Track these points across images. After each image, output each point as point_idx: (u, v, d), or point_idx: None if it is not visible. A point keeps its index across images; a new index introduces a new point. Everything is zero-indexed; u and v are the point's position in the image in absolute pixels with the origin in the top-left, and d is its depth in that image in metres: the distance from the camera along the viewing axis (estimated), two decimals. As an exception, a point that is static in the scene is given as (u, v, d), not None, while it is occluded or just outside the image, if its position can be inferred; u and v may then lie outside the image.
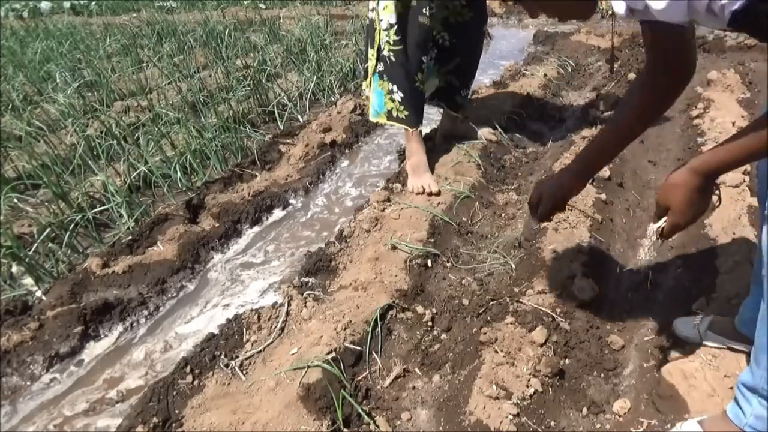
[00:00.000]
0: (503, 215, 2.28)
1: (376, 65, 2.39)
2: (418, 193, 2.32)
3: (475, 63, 2.65)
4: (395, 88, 2.37)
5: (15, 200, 2.47)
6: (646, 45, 1.17)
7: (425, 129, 2.78)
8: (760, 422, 1.01)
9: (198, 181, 2.67)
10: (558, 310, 1.58)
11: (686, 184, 0.98)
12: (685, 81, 1.17)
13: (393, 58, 2.32)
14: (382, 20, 2.31)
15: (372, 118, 2.52)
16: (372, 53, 2.41)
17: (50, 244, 2.13)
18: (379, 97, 2.43)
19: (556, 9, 1.06)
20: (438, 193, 2.30)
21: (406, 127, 2.43)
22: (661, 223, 1.03)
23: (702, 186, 0.97)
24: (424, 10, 2.23)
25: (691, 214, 1.01)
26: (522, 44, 5.02)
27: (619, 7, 0.93)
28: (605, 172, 2.28)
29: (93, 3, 9.01)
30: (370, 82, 2.46)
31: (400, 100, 2.39)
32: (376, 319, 1.59)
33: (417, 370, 1.51)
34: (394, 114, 2.43)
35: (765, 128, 0.86)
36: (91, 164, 2.78)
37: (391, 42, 2.32)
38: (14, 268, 2.05)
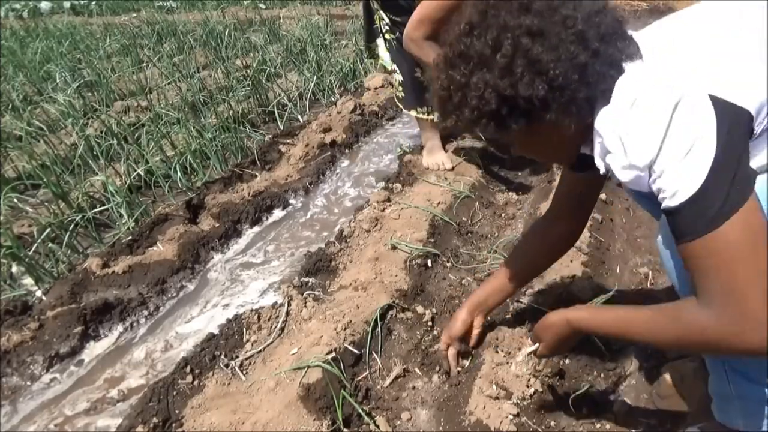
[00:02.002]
0: (503, 215, 2.28)
1: (384, 41, 2.48)
2: (433, 170, 2.50)
3: None
4: (396, 68, 2.45)
5: (15, 200, 2.47)
6: (560, 192, 1.29)
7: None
8: (754, 420, 1.01)
9: (198, 181, 2.67)
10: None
11: (558, 331, 1.08)
12: (580, 231, 1.33)
13: (393, 44, 2.37)
14: (378, 10, 2.35)
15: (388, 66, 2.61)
16: (377, 27, 2.48)
17: (50, 244, 2.13)
18: (385, 57, 2.57)
19: (537, 154, 1.04)
20: (452, 169, 2.47)
21: (401, 106, 2.58)
22: (535, 347, 1.18)
23: (571, 336, 1.07)
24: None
25: (556, 352, 1.18)
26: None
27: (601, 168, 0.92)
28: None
29: (93, 3, 9.01)
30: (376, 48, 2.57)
31: (399, 81, 2.49)
32: (376, 319, 1.59)
33: (417, 370, 1.51)
34: (395, 87, 2.58)
35: (663, 325, 0.87)
36: (91, 164, 2.78)
37: (390, 36, 2.34)
38: (14, 268, 2.04)
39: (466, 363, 1.47)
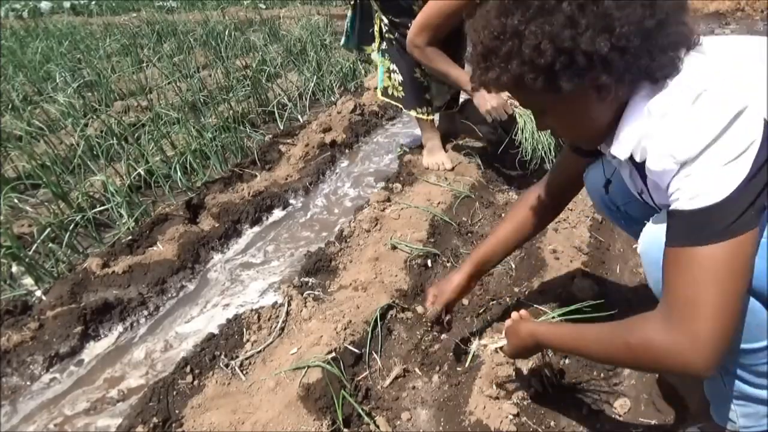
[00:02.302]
0: (503, 215, 2.28)
1: (380, 43, 2.44)
2: (433, 170, 2.50)
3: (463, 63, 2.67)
4: (396, 68, 2.44)
5: (15, 200, 2.47)
6: (560, 167, 1.33)
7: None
8: (753, 421, 1.01)
9: (198, 181, 2.67)
10: (558, 310, 1.58)
11: (522, 340, 1.13)
12: (564, 206, 1.40)
13: (393, 43, 2.36)
14: (377, 11, 2.34)
15: (380, 95, 2.67)
16: (376, 27, 2.45)
17: (50, 244, 2.13)
18: (380, 74, 2.54)
19: (566, 127, 0.98)
20: (452, 169, 2.48)
21: (400, 106, 2.55)
22: (501, 344, 1.25)
23: (532, 348, 1.14)
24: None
25: (517, 357, 1.26)
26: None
27: (622, 153, 0.90)
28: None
29: (93, 3, 9.01)
30: (378, 47, 2.53)
31: (399, 81, 2.46)
32: (376, 319, 1.59)
33: (417, 370, 1.51)
34: (390, 92, 2.55)
35: (612, 338, 0.88)
36: (90, 164, 2.78)
37: (389, 35, 2.34)
38: (14, 268, 2.05)
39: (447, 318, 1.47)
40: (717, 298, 0.75)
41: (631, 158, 0.91)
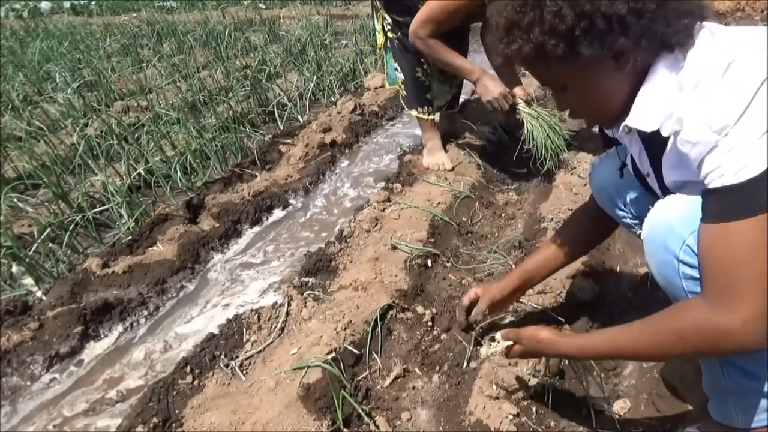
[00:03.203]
0: (503, 215, 2.28)
1: (385, 41, 2.45)
2: (433, 170, 2.50)
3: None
4: (397, 67, 2.44)
5: (15, 200, 2.47)
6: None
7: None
8: (752, 414, 1.00)
9: (198, 181, 2.67)
10: (558, 310, 1.58)
11: (543, 349, 1.13)
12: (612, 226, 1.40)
13: (396, 42, 2.37)
14: (380, 9, 2.34)
15: (388, 85, 2.71)
16: (378, 27, 2.45)
17: (50, 244, 2.13)
18: (390, 67, 2.55)
19: (585, 101, 1.00)
20: (452, 169, 2.47)
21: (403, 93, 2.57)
22: (506, 345, 1.22)
23: (551, 356, 1.17)
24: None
25: (526, 359, 1.30)
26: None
27: (645, 124, 0.92)
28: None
29: (93, 3, 9.01)
30: (383, 45, 2.53)
31: (401, 79, 2.48)
32: (376, 319, 1.59)
33: (417, 370, 1.51)
34: (399, 87, 2.56)
35: (664, 333, 0.86)
36: (91, 164, 2.78)
37: (392, 35, 2.34)
38: (14, 268, 2.04)
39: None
40: (757, 273, 0.75)
41: (641, 137, 0.94)
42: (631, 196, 1.26)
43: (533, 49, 0.88)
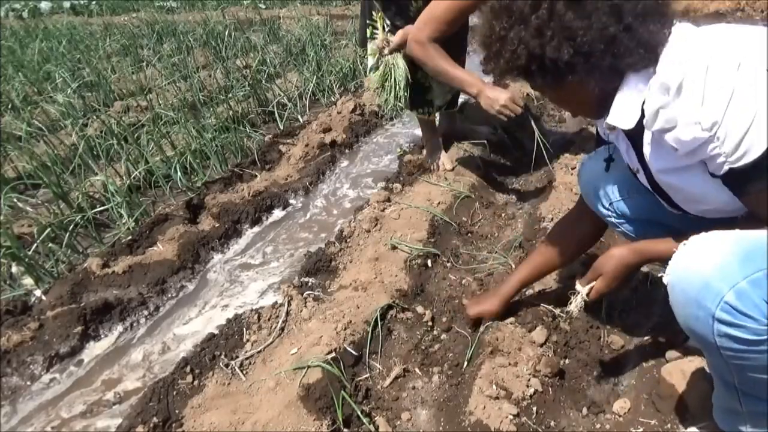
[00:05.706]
0: (503, 215, 2.28)
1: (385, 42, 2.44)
2: (433, 170, 2.52)
3: (462, 64, 2.65)
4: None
5: (15, 200, 2.47)
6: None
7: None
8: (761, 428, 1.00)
9: (198, 181, 2.67)
10: (558, 310, 1.58)
11: (622, 259, 1.09)
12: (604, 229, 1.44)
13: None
14: (378, 11, 2.33)
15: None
16: (379, 25, 2.44)
17: (50, 244, 2.13)
18: (370, 60, 2.51)
19: (563, 107, 1.13)
20: (452, 169, 2.48)
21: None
22: (590, 287, 1.15)
23: (635, 264, 1.09)
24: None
25: (616, 284, 1.13)
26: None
27: (623, 122, 0.96)
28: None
29: (93, 3, 9.01)
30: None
31: (378, 73, 2.46)
32: (376, 319, 1.59)
33: (417, 370, 1.51)
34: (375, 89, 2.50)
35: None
36: (91, 164, 2.78)
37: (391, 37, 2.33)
38: (14, 268, 2.04)
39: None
40: None
41: (627, 134, 1.00)
42: (616, 193, 1.29)
43: (500, 72, 0.98)
